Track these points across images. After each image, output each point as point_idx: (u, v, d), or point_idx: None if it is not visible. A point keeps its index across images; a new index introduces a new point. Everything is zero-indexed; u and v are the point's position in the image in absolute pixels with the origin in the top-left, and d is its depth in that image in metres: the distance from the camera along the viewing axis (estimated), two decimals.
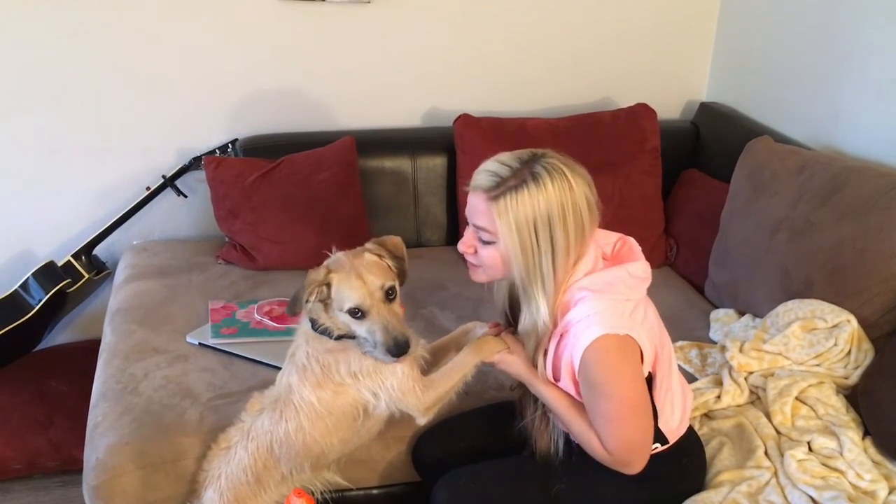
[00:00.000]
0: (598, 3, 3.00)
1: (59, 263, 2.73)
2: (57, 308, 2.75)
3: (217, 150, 2.84)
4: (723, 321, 2.42)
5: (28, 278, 2.68)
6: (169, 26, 2.71)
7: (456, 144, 2.82)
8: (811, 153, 2.44)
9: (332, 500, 1.93)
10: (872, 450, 1.85)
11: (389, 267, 1.69)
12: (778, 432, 1.94)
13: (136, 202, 2.81)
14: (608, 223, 2.71)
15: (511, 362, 1.73)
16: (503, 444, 1.85)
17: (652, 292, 1.70)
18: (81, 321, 3.01)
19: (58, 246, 2.86)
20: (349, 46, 2.87)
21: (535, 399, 1.75)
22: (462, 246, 1.67)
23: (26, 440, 2.51)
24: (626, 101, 2.98)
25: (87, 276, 2.75)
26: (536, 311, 1.61)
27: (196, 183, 2.89)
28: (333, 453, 1.83)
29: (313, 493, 1.85)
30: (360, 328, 1.66)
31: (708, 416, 2.05)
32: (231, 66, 2.81)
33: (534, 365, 1.68)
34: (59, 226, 2.86)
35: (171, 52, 2.75)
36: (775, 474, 1.82)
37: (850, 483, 1.77)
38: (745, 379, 2.09)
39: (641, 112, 2.87)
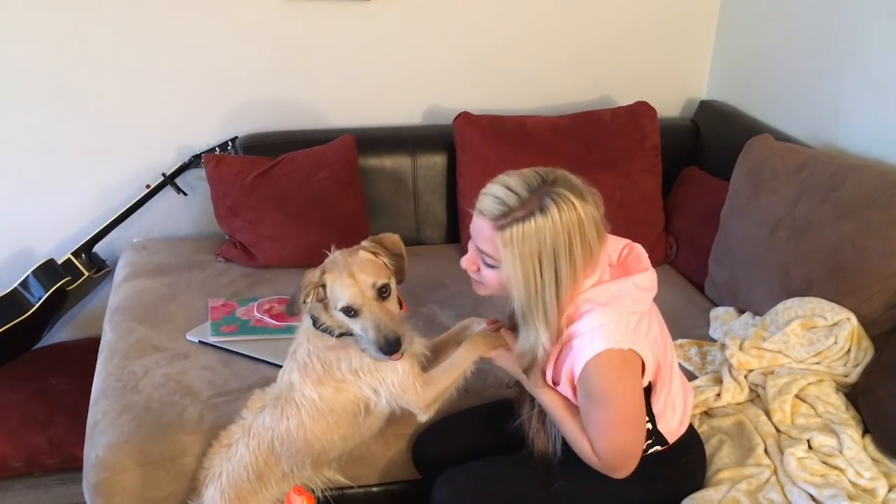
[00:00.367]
0: (598, 1, 3.00)
1: (59, 261, 2.73)
2: (57, 306, 2.75)
3: (217, 148, 2.84)
4: (723, 319, 2.42)
5: (28, 276, 2.68)
6: (169, 24, 2.71)
7: (456, 143, 2.82)
8: (811, 151, 2.44)
9: (333, 498, 1.93)
10: (872, 448, 1.86)
11: (386, 264, 1.69)
12: (777, 430, 1.94)
13: (135, 200, 2.80)
14: (608, 222, 2.75)
15: (509, 359, 1.73)
16: (503, 442, 1.85)
17: None
18: (81, 319, 3.01)
19: (58, 244, 2.86)
20: (349, 44, 2.87)
21: (532, 398, 1.75)
22: (465, 263, 1.66)
23: (26, 438, 2.51)
24: (626, 99, 2.98)
25: (86, 273, 2.75)
26: (535, 340, 1.59)
27: (196, 181, 2.89)
28: (334, 450, 1.83)
29: (314, 491, 1.86)
30: (354, 326, 1.67)
31: (708, 413, 2.05)
32: (231, 64, 2.81)
33: (526, 374, 1.68)
34: (59, 224, 2.86)
35: (170, 50, 2.75)
36: (775, 472, 1.83)
37: (850, 481, 1.77)
38: (745, 377, 2.09)
39: (641, 110, 2.87)
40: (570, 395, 1.66)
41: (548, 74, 3.07)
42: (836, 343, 2.06)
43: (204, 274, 2.65)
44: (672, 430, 1.73)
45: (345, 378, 1.72)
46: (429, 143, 2.90)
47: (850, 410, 1.96)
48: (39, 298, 2.65)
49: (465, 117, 2.80)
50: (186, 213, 2.97)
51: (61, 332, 3.01)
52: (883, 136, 2.37)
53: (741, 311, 2.42)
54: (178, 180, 2.84)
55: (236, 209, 2.68)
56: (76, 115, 2.75)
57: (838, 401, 1.98)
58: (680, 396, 1.75)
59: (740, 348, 2.13)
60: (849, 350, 2.06)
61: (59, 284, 2.67)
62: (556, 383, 1.67)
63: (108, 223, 2.79)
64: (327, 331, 1.71)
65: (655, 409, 1.69)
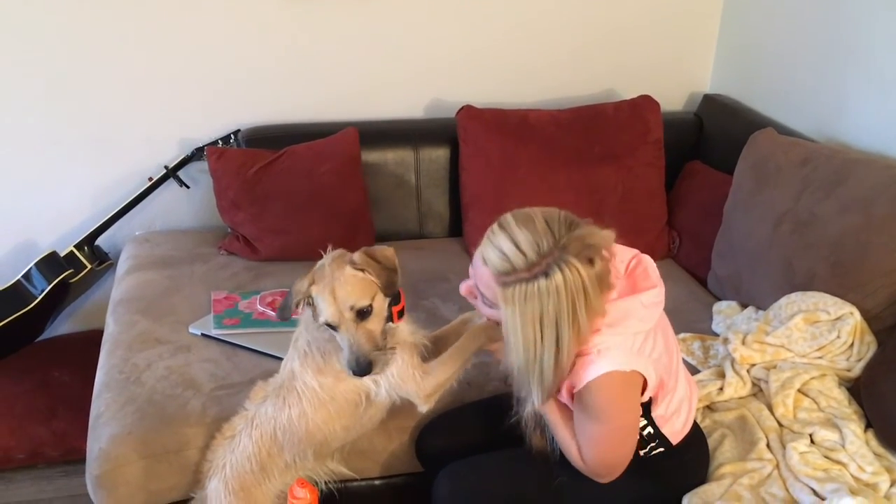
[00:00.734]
0: None
1: (62, 254, 2.73)
2: (59, 298, 2.75)
3: (219, 141, 2.83)
4: (725, 313, 2.42)
5: (31, 268, 2.68)
6: (171, 17, 2.70)
7: (459, 136, 2.82)
8: (815, 145, 2.43)
9: (336, 491, 1.94)
10: (874, 442, 1.86)
11: (373, 281, 1.66)
12: (780, 424, 1.94)
13: (138, 193, 2.80)
14: (611, 215, 2.75)
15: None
16: (506, 436, 1.85)
17: None
18: (84, 311, 3.02)
19: (60, 236, 2.86)
20: (352, 37, 2.86)
21: None
22: (464, 291, 1.63)
23: (29, 430, 2.52)
24: (629, 93, 2.97)
25: (89, 266, 2.75)
26: (527, 397, 1.57)
27: (198, 174, 2.89)
28: (336, 440, 1.83)
29: (317, 484, 1.86)
30: (337, 337, 1.68)
31: (710, 408, 2.05)
32: (234, 58, 2.80)
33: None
34: (62, 216, 2.86)
35: (173, 43, 2.74)
36: (777, 467, 1.83)
37: (852, 475, 1.77)
38: (748, 371, 2.09)
39: (645, 104, 2.86)
40: (567, 400, 1.66)
41: (551, 68, 3.06)
42: (838, 337, 2.06)
43: (206, 267, 2.65)
44: (676, 431, 1.73)
45: (344, 368, 1.72)
46: (431, 136, 2.90)
47: (852, 405, 1.96)
48: (42, 291, 2.65)
49: (467, 111, 2.80)
50: (189, 206, 2.97)
51: (64, 325, 3.01)
52: (887, 131, 2.36)
53: (744, 306, 2.42)
54: (180, 173, 2.84)
55: (239, 202, 2.68)
56: (79, 107, 2.74)
57: (841, 395, 1.98)
58: (686, 401, 1.75)
59: (743, 342, 2.13)
60: (852, 344, 2.06)
61: (61, 277, 2.67)
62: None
63: (110, 216, 2.79)
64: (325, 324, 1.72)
65: (660, 415, 1.69)
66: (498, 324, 1.78)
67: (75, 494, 2.44)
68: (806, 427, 1.89)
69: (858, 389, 1.99)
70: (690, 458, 1.81)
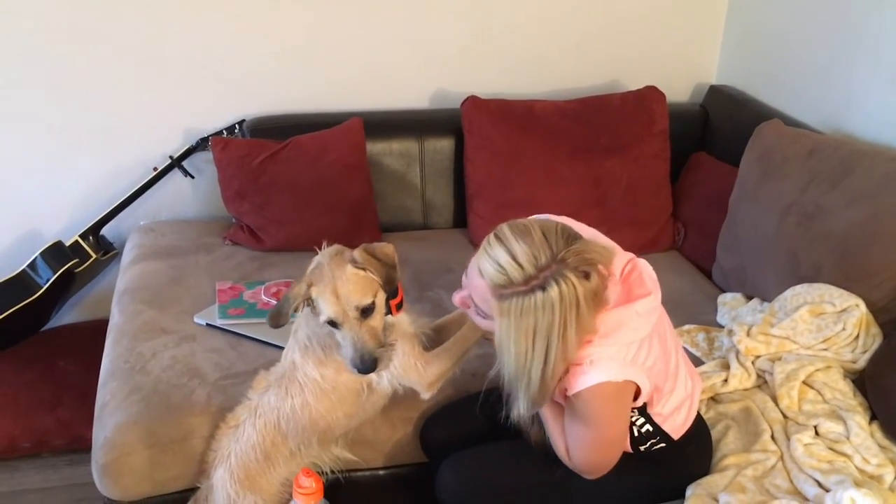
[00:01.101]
0: None
1: (67, 243, 2.73)
2: (65, 288, 2.76)
3: (224, 131, 2.83)
4: (730, 305, 2.41)
5: (36, 258, 2.69)
6: (177, 7, 2.70)
7: (463, 127, 2.81)
8: (821, 137, 2.42)
9: (341, 479, 1.94)
10: (879, 434, 1.85)
11: (374, 279, 1.66)
12: (784, 416, 1.93)
13: (143, 183, 2.80)
14: (616, 207, 2.75)
15: None
16: (510, 427, 1.85)
17: (660, 276, 1.68)
18: (89, 301, 3.02)
19: (65, 226, 2.86)
20: (357, 27, 2.85)
21: None
22: (457, 300, 1.61)
23: (34, 419, 2.53)
24: (635, 84, 2.96)
25: (94, 256, 2.76)
26: (514, 403, 1.56)
27: (203, 164, 2.89)
28: (340, 427, 1.84)
29: (322, 472, 1.87)
30: (337, 336, 1.68)
31: (714, 399, 2.05)
32: (239, 48, 2.80)
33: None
34: (67, 206, 2.86)
35: (179, 32, 2.73)
36: (781, 458, 1.83)
37: (857, 467, 1.77)
38: (753, 363, 2.09)
39: (650, 95, 2.85)
40: (561, 400, 1.66)
41: (556, 58, 3.05)
42: (844, 329, 2.05)
43: (211, 257, 2.65)
44: (677, 427, 1.73)
45: (347, 366, 1.73)
46: (436, 126, 2.89)
47: (857, 397, 1.96)
48: (47, 280, 2.66)
49: (472, 101, 2.79)
50: (194, 196, 2.97)
51: (69, 314, 3.02)
52: (894, 123, 2.35)
53: (749, 298, 2.41)
54: (185, 163, 2.84)
55: (243, 192, 2.68)
56: (84, 97, 2.74)
57: (846, 387, 1.98)
58: (687, 399, 1.74)
59: (748, 334, 2.13)
60: (857, 336, 2.06)
61: (66, 266, 2.67)
62: None
63: (115, 205, 2.79)
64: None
65: (658, 413, 1.69)
66: (490, 337, 1.77)
67: (80, 483, 2.44)
68: (811, 419, 1.89)
69: (863, 381, 1.98)
70: (693, 451, 1.80)
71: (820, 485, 1.72)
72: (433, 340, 1.86)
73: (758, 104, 2.87)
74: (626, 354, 1.56)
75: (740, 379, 2.05)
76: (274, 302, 2.35)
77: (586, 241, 1.48)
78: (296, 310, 1.69)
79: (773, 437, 1.88)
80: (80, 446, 2.49)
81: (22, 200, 2.83)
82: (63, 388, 2.59)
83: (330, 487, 1.81)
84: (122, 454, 1.90)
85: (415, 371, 1.76)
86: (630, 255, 1.67)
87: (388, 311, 1.73)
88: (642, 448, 1.73)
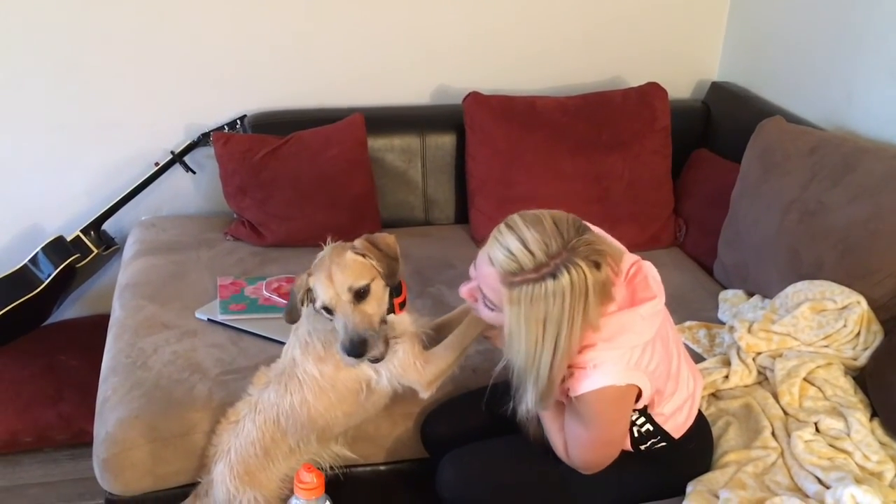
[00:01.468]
0: None
1: (68, 238, 2.74)
2: (66, 283, 2.76)
3: (226, 127, 2.83)
4: (731, 302, 2.41)
5: (37, 253, 2.69)
6: (179, 1, 2.69)
7: (465, 122, 2.81)
8: (823, 134, 2.42)
9: (341, 475, 1.94)
10: (880, 431, 1.85)
11: (372, 265, 1.65)
12: (785, 413, 1.93)
13: (144, 178, 2.81)
14: (618, 203, 2.75)
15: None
16: (511, 423, 1.85)
17: (661, 273, 1.68)
18: (90, 296, 3.03)
19: (67, 221, 2.86)
20: (359, 23, 2.85)
21: None
22: (465, 293, 1.60)
23: (36, 414, 2.53)
24: (636, 80, 2.96)
25: (95, 251, 2.76)
26: (522, 397, 1.56)
27: (204, 159, 2.89)
28: (339, 426, 1.84)
29: (322, 468, 1.87)
30: (335, 322, 1.67)
31: (715, 395, 2.05)
32: (240, 43, 2.80)
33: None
34: (68, 201, 2.86)
35: (180, 27, 2.73)
36: (782, 455, 1.83)
37: (857, 464, 1.77)
38: (753, 359, 2.09)
39: (652, 91, 2.85)
40: (562, 398, 1.66)
41: (558, 54, 3.05)
42: (845, 326, 2.05)
43: (212, 252, 2.65)
44: (678, 426, 1.73)
45: (338, 352, 1.72)
46: (438, 122, 2.89)
47: (858, 394, 1.96)
48: (49, 275, 2.66)
49: (474, 97, 2.79)
50: (195, 191, 2.97)
51: (70, 309, 3.02)
52: None
53: (750, 294, 2.41)
54: (186, 158, 2.84)
55: (245, 188, 2.68)
56: (85, 92, 2.74)
57: (847, 384, 1.98)
58: (689, 399, 1.74)
59: (749, 331, 2.13)
60: (858, 333, 2.06)
61: (68, 261, 2.67)
62: None
63: (116, 201, 2.79)
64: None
65: (659, 413, 1.69)
66: (496, 328, 1.77)
67: (82, 478, 2.45)
68: (811, 415, 1.89)
69: (864, 378, 1.98)
70: (694, 448, 1.80)
71: (820, 481, 1.72)
72: (434, 340, 1.86)
73: (760, 101, 2.87)
74: (630, 358, 1.55)
75: (741, 375, 2.05)
76: (275, 297, 2.36)
77: (596, 233, 1.48)
78: (302, 302, 1.68)
79: (773, 433, 1.88)
80: (81, 441, 2.49)
81: (23, 195, 2.83)
82: (64, 383, 2.60)
83: (330, 483, 1.82)
84: (124, 449, 1.91)
85: (414, 370, 1.76)
86: (635, 257, 1.66)
87: (392, 310, 1.73)
88: (643, 447, 1.73)
